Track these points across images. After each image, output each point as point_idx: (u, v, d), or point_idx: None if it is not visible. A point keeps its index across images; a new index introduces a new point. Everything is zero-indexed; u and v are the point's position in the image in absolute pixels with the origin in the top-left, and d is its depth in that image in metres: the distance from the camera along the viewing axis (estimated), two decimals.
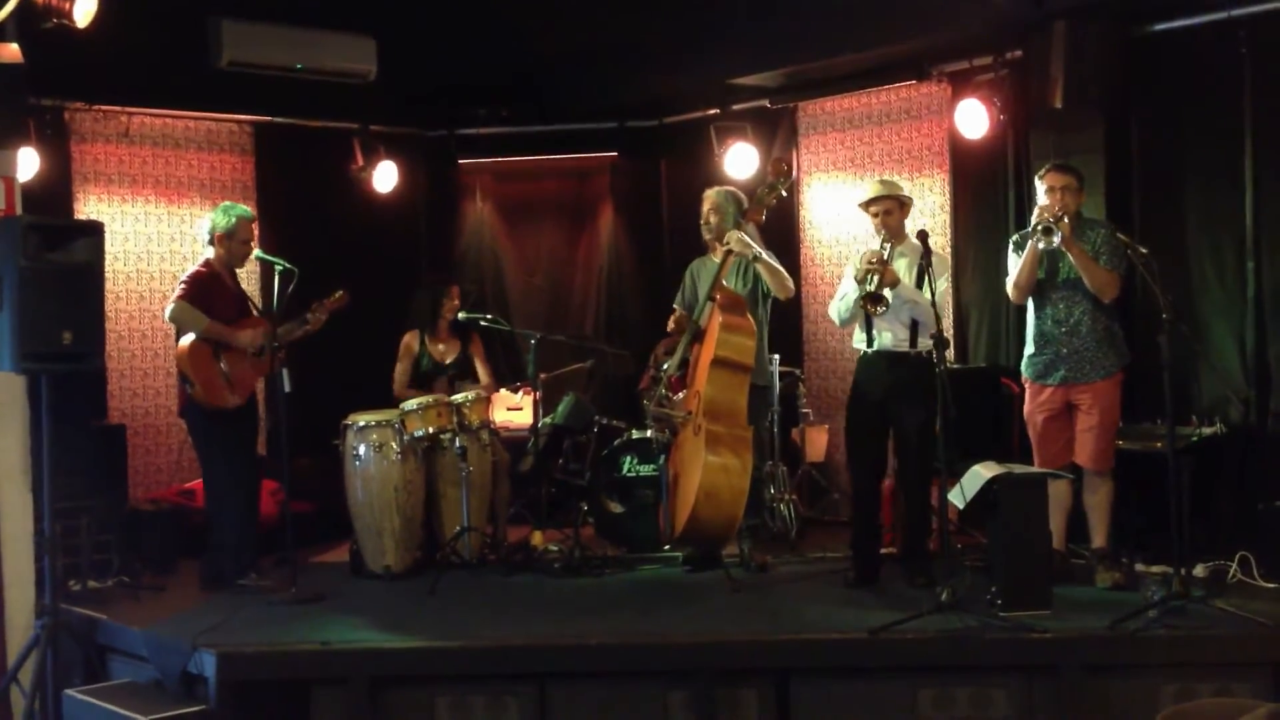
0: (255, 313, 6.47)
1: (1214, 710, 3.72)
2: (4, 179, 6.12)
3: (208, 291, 6.20)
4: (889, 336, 5.90)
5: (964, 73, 7.25)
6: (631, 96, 8.57)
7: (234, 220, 6.29)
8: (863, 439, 6.04)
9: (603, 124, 8.84)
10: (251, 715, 5.05)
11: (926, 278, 5.61)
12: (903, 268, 5.88)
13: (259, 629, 5.41)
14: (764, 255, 6.16)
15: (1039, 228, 5.59)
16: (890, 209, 5.97)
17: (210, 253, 6.34)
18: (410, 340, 7.10)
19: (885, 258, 5.78)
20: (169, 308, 6.20)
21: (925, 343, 5.86)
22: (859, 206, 6.13)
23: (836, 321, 6.15)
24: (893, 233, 5.94)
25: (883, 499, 6.23)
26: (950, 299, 5.64)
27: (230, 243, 6.30)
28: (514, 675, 5.05)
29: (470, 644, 5.19)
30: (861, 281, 5.75)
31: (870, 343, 5.95)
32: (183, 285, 6.20)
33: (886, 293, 5.69)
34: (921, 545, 5.98)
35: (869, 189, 6.06)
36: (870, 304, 5.69)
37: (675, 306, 6.56)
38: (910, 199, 6.11)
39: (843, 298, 6.01)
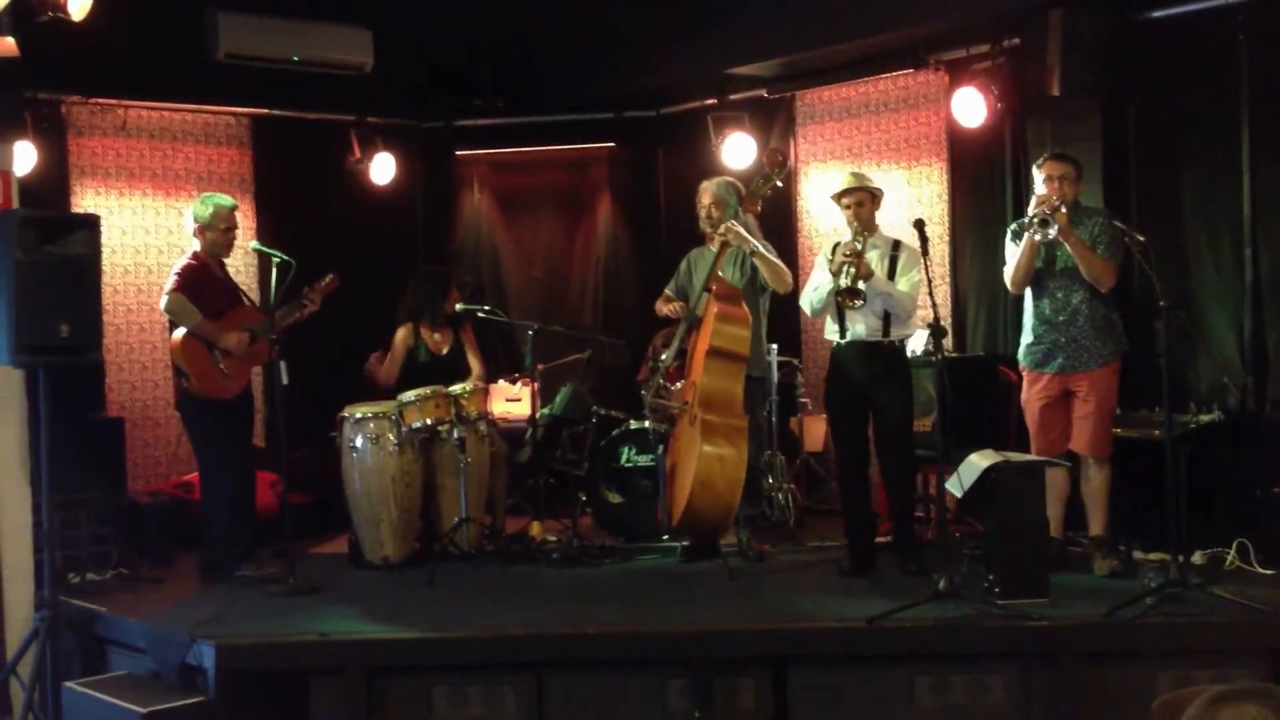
0: (247, 302, 6.49)
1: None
2: (1, 172, 6.13)
3: (198, 283, 6.21)
4: (862, 327, 5.92)
5: (961, 61, 7.24)
6: (629, 87, 8.57)
7: (211, 209, 6.30)
8: (845, 429, 6.07)
9: (600, 115, 8.83)
10: (250, 706, 5.05)
11: (898, 268, 5.69)
12: (873, 259, 5.89)
13: (257, 620, 5.42)
14: (760, 249, 6.16)
15: (1035, 220, 5.58)
16: (862, 200, 5.97)
17: (197, 245, 6.34)
18: (405, 334, 7.01)
19: (860, 250, 5.78)
20: (163, 299, 6.21)
21: (898, 331, 5.93)
22: (831, 199, 6.13)
23: (808, 312, 6.18)
24: (864, 225, 5.94)
25: (875, 487, 6.24)
26: (922, 291, 5.64)
27: (210, 232, 6.30)
28: (512, 665, 5.05)
29: (468, 634, 5.19)
30: (837, 274, 5.76)
31: (843, 334, 5.97)
32: (175, 277, 6.21)
33: (861, 285, 5.71)
34: (910, 533, 5.99)
35: (841, 181, 6.07)
36: (849, 298, 5.70)
37: (666, 292, 6.56)
38: (881, 191, 6.11)
39: (815, 289, 6.02)
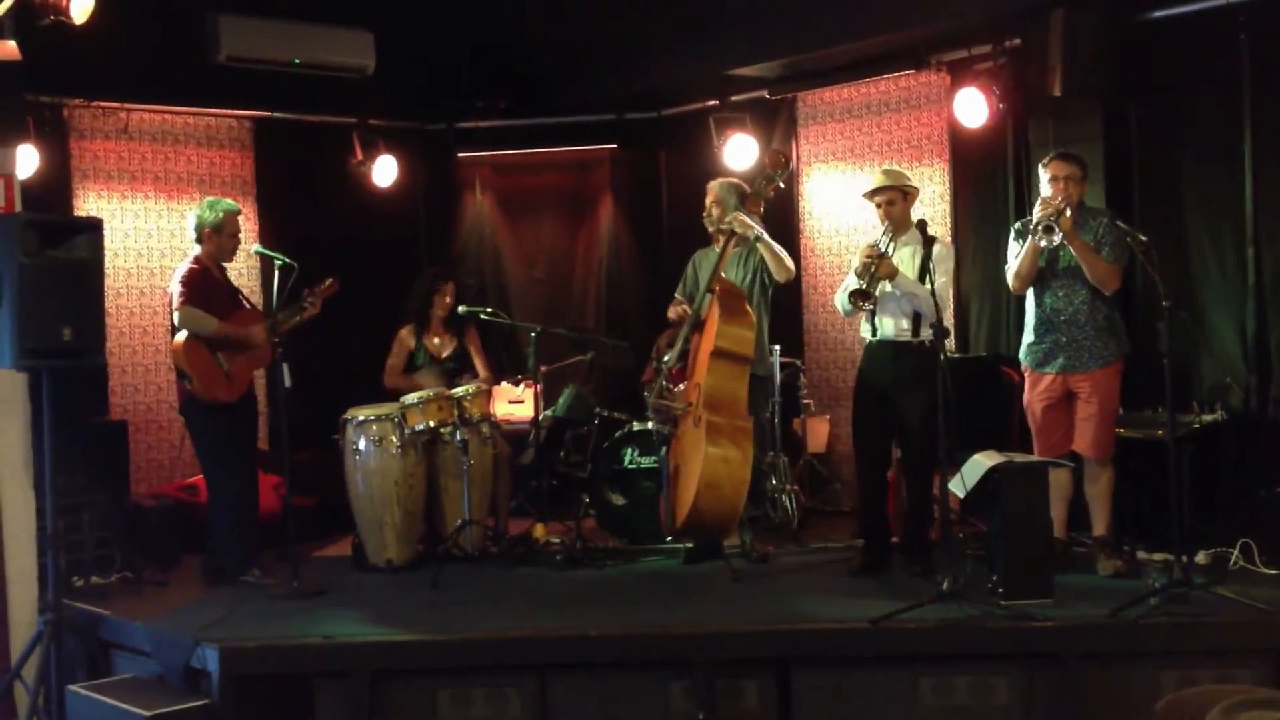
0: (247, 305, 6.49)
1: (1214, 697, 3.71)
2: (3, 176, 6.15)
3: (203, 288, 6.20)
4: (890, 326, 5.91)
5: (963, 61, 7.23)
6: (630, 88, 8.57)
7: (221, 215, 6.30)
8: (868, 428, 6.05)
9: (602, 116, 8.82)
10: (254, 709, 5.06)
11: (929, 268, 5.62)
12: (905, 257, 5.88)
13: (261, 623, 5.43)
14: (764, 235, 6.18)
15: (1039, 227, 5.56)
16: (893, 199, 5.96)
17: (198, 249, 6.33)
18: (405, 335, 7.10)
19: (883, 250, 5.77)
20: (175, 315, 6.19)
21: (928, 332, 5.85)
22: (864, 196, 6.13)
23: (841, 313, 6.17)
24: (895, 223, 5.94)
25: (888, 488, 6.23)
26: (951, 290, 5.60)
27: (219, 237, 6.30)
28: (515, 667, 5.06)
29: (472, 636, 5.20)
30: (860, 275, 5.75)
31: (874, 332, 5.97)
32: (181, 289, 6.16)
33: (887, 286, 5.71)
34: (923, 534, 5.98)
35: (873, 179, 6.06)
36: (859, 300, 5.69)
37: (677, 295, 6.57)
38: (915, 189, 6.09)
39: (845, 289, 6.01)
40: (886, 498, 6.14)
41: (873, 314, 5.91)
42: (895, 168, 6.50)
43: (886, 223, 5.94)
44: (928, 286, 5.66)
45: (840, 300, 6.05)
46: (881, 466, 6.07)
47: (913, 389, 5.86)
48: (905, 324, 5.89)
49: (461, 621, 5.40)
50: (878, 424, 6.02)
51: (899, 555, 6.02)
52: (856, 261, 5.87)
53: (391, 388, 6.95)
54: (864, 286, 5.69)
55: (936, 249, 5.74)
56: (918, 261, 5.86)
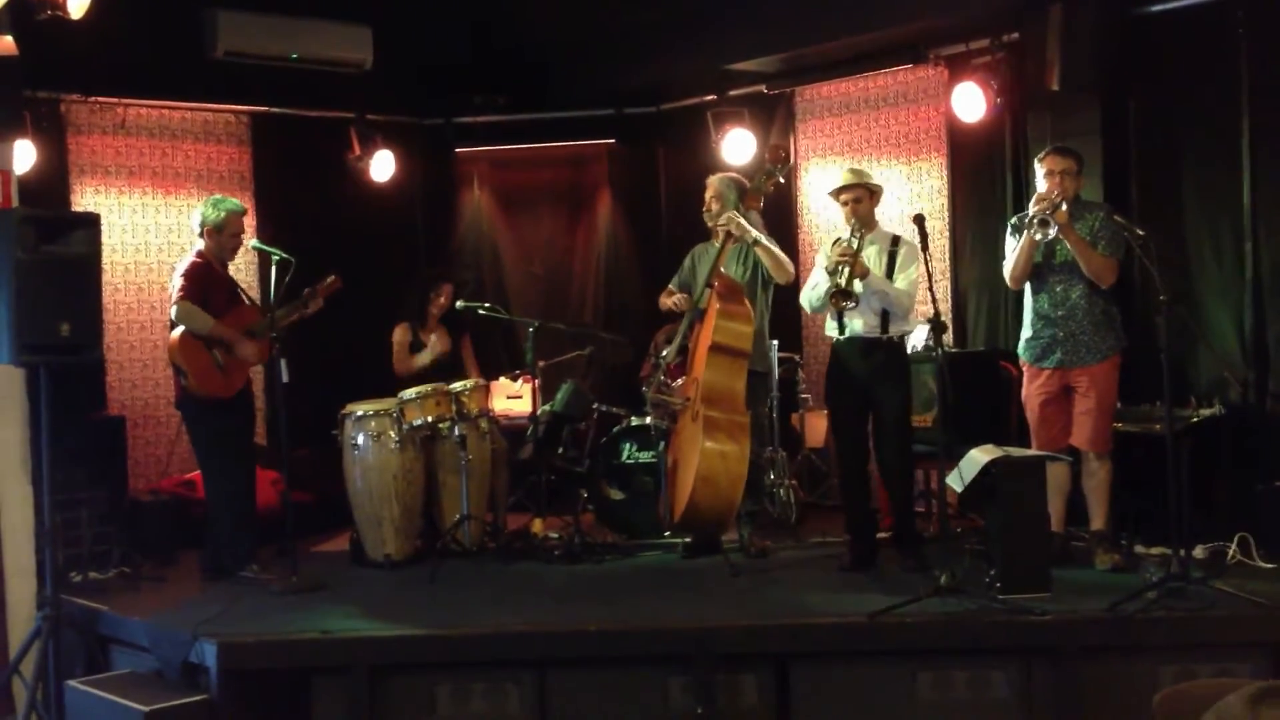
0: (247, 301, 6.48)
1: (1212, 690, 3.71)
2: (1, 171, 6.13)
3: (203, 283, 6.19)
4: (859, 324, 5.92)
5: (961, 56, 7.23)
6: (629, 83, 8.57)
7: (223, 214, 6.28)
8: (844, 426, 6.07)
9: (600, 111, 8.82)
10: (253, 704, 5.06)
11: (896, 265, 5.68)
12: (872, 255, 5.90)
13: (260, 618, 5.42)
14: (762, 239, 6.17)
15: (1034, 221, 5.57)
16: (860, 197, 5.96)
17: (201, 244, 6.32)
18: (400, 332, 7.15)
19: (855, 248, 5.77)
20: (173, 309, 6.20)
21: (897, 328, 5.93)
22: (829, 195, 6.14)
23: (807, 310, 6.22)
24: (862, 221, 5.93)
25: (877, 482, 6.24)
26: (922, 286, 5.61)
27: (220, 236, 6.29)
28: (514, 662, 5.05)
29: (470, 632, 5.19)
30: (833, 273, 5.75)
31: (842, 330, 5.97)
32: (181, 283, 6.16)
33: (858, 285, 5.72)
34: (909, 528, 5.99)
35: (839, 177, 6.07)
36: (840, 300, 5.69)
37: (670, 287, 6.56)
38: (880, 187, 6.10)
39: (814, 287, 6.02)
40: (869, 492, 6.15)
41: (841, 312, 5.91)
42: (860, 167, 6.52)
43: (853, 221, 5.93)
44: (902, 284, 5.76)
45: (811, 297, 6.05)
46: (862, 460, 6.07)
47: (886, 384, 5.90)
48: (875, 321, 5.90)
49: (460, 617, 5.40)
50: (854, 420, 6.02)
51: (892, 550, 6.01)
52: (827, 260, 5.88)
53: (403, 372, 7.01)
54: (844, 285, 5.68)
55: (905, 250, 5.83)
56: (884, 260, 5.90)
